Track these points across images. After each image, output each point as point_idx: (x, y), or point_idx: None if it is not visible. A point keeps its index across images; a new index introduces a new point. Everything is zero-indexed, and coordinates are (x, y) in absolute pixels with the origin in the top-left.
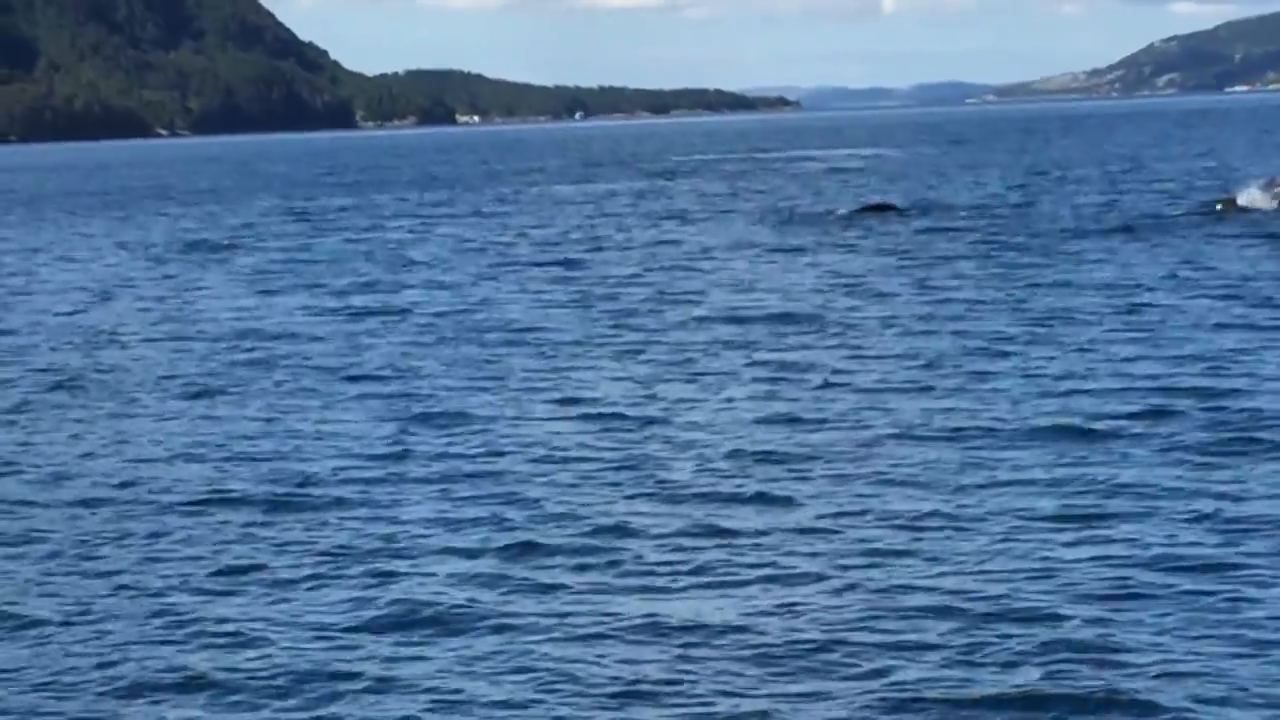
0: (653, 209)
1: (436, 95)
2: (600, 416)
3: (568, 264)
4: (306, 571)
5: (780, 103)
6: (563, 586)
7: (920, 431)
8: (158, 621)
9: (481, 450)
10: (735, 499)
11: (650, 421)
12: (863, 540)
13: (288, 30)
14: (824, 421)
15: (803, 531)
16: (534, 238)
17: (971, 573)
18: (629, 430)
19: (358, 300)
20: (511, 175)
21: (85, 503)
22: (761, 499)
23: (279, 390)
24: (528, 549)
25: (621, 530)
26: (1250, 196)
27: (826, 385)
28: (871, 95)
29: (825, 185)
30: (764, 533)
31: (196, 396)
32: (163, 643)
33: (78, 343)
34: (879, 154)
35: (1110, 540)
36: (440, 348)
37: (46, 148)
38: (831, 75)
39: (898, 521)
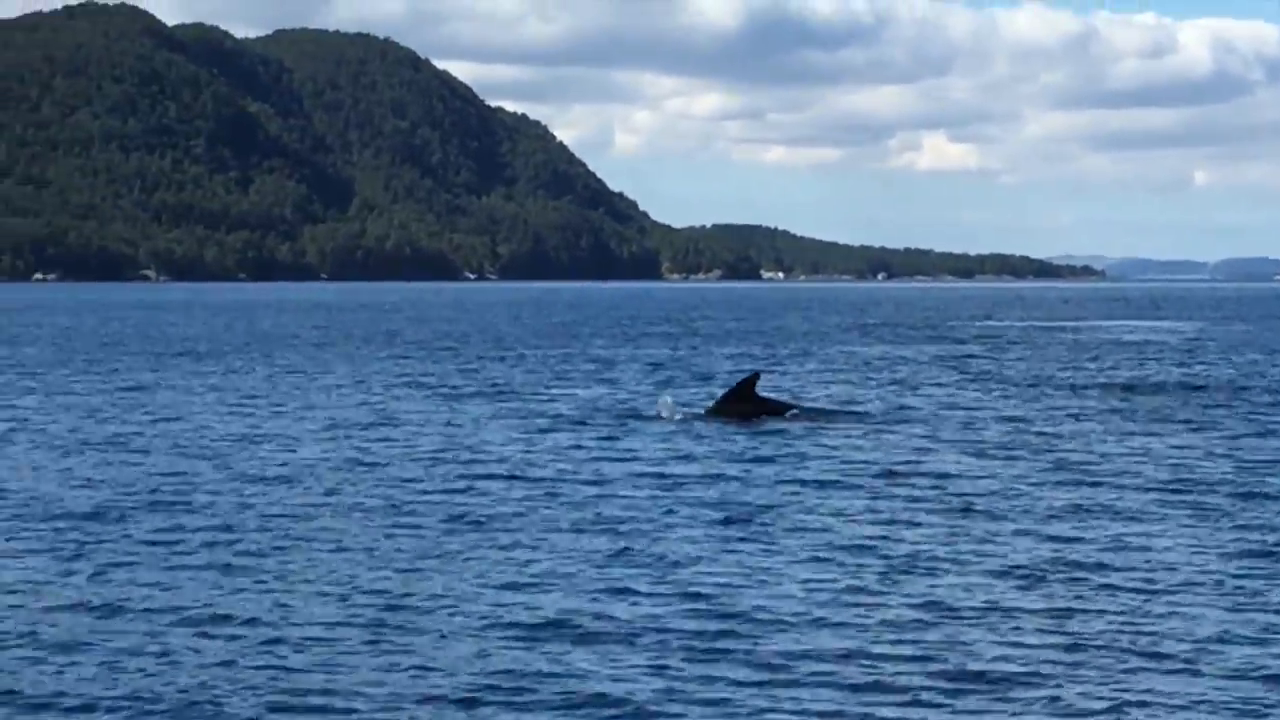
0: (978, 371)
1: (742, 250)
2: (1019, 571)
3: (925, 422)
4: None
5: (1086, 272)
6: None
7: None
8: None
9: (908, 596)
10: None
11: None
12: None
13: (599, 180)
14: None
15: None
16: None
17: None
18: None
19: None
20: (838, 332)
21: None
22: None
23: (579, 527)
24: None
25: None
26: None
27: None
28: (1178, 268)
29: (1144, 356)
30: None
31: (480, 528)
32: None
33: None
34: (1181, 327)
35: None
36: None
37: (363, 286)
38: (1139, 246)
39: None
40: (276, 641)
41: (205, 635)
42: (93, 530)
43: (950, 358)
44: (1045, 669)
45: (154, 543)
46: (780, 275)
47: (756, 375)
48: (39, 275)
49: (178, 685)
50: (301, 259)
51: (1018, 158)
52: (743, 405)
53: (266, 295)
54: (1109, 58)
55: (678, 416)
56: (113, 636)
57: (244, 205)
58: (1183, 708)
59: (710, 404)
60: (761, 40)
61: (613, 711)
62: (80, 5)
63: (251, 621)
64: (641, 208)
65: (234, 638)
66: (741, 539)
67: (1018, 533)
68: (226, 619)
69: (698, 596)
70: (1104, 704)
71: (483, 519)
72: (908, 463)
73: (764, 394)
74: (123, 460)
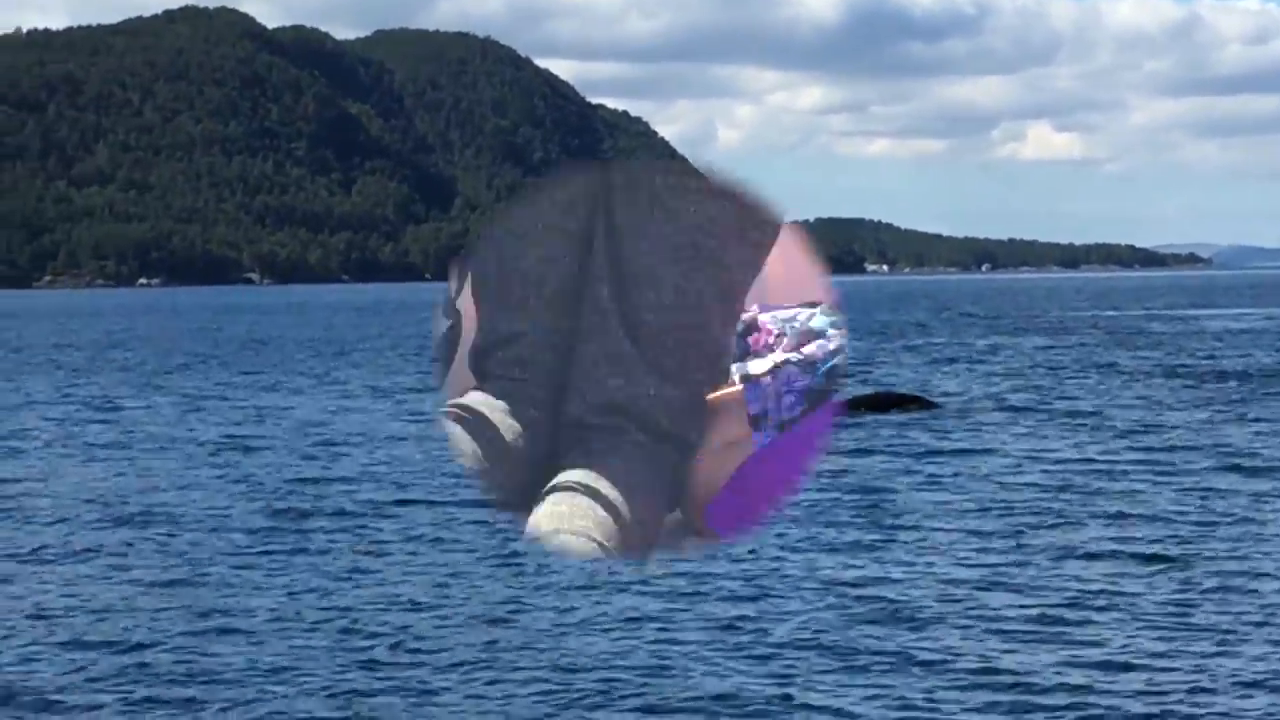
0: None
1: (846, 243)
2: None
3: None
4: None
5: (1192, 259)
6: None
7: None
8: None
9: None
10: None
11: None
12: None
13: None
14: None
15: None
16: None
17: None
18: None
19: None
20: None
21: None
22: None
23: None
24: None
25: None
26: None
27: None
28: None
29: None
30: None
31: None
32: None
33: None
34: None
35: None
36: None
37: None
38: (1245, 233)
39: None
40: (405, 637)
41: (324, 634)
42: (224, 532)
43: (1059, 348)
44: (1185, 663)
45: (269, 549)
46: (884, 268)
47: None
48: (143, 280)
49: (303, 689)
50: (404, 259)
51: (1122, 146)
52: None
53: (382, 295)
54: (1213, 44)
55: None
56: (245, 646)
57: (346, 206)
58: None
59: None
60: (863, 33)
61: (755, 706)
62: (180, 9)
63: (382, 603)
64: None
65: (350, 640)
66: (865, 532)
67: (1147, 524)
68: (350, 621)
69: (835, 587)
70: (1244, 696)
71: None
72: (1039, 452)
73: None
74: (255, 461)
